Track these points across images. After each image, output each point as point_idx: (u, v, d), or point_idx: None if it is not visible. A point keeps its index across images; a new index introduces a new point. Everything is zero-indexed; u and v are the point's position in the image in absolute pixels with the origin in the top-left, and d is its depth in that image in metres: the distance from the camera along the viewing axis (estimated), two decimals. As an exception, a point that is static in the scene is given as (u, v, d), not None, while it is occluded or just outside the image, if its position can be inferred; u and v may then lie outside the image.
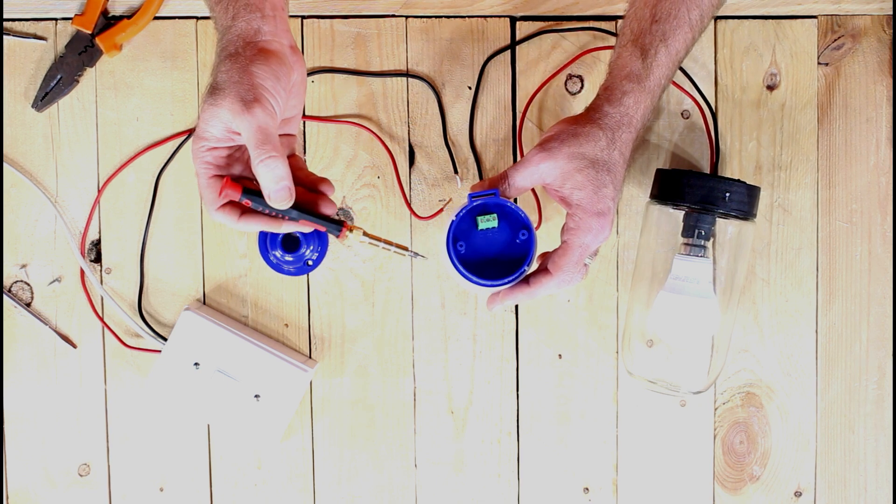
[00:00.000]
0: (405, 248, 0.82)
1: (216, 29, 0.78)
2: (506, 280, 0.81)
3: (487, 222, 0.82)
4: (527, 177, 0.81)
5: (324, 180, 0.79)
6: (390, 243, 0.82)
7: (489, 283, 0.81)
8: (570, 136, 0.80)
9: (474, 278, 0.81)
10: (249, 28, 0.75)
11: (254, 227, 0.77)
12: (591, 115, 0.81)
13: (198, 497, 0.98)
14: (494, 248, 0.83)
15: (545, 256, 0.83)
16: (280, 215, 0.77)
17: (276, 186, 0.73)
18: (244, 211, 0.77)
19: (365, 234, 0.80)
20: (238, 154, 0.77)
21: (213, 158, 0.76)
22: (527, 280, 0.82)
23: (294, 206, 0.76)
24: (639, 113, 0.81)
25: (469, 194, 0.81)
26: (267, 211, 0.76)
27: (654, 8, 0.82)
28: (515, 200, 0.86)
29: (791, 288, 0.97)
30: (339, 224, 0.79)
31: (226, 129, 0.74)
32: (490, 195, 0.81)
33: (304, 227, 0.78)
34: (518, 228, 0.82)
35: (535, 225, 0.95)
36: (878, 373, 0.98)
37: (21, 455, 0.98)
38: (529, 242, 0.82)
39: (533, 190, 0.95)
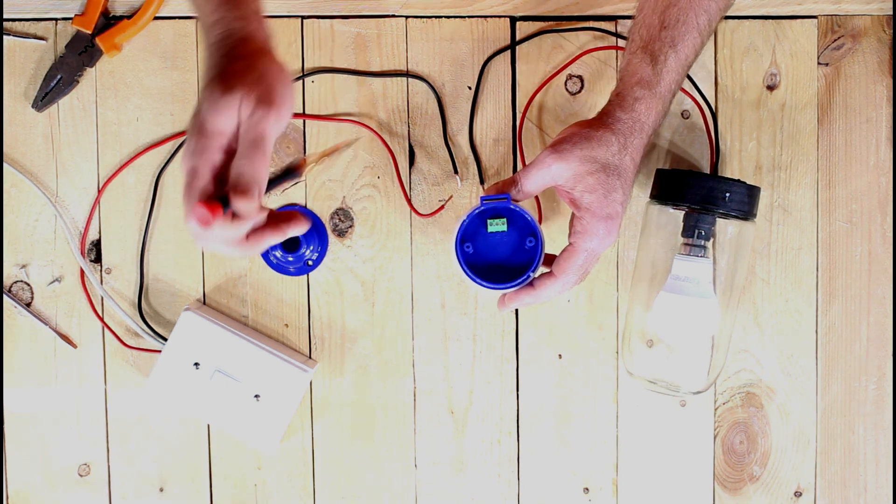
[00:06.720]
0: (348, 143, 0.79)
1: (213, 25, 0.73)
2: (509, 284, 0.82)
3: (497, 226, 0.82)
4: (538, 179, 0.81)
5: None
6: (337, 146, 0.79)
7: (492, 285, 0.82)
8: (583, 140, 0.80)
9: (478, 280, 0.82)
10: (261, 34, 0.73)
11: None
12: (603, 120, 0.81)
13: (198, 497, 0.98)
14: (502, 251, 0.83)
15: (550, 259, 0.84)
16: None
17: (251, 185, 0.68)
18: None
19: (317, 159, 0.78)
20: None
21: (219, 158, 0.69)
22: (531, 283, 0.83)
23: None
24: (650, 119, 0.81)
25: (481, 197, 0.82)
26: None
27: (662, 14, 0.82)
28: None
29: (791, 288, 0.97)
30: (295, 167, 0.75)
31: (236, 122, 0.68)
32: (502, 199, 0.81)
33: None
34: (526, 235, 0.83)
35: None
36: (878, 373, 0.98)
37: (21, 455, 0.98)
38: (536, 249, 0.82)
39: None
